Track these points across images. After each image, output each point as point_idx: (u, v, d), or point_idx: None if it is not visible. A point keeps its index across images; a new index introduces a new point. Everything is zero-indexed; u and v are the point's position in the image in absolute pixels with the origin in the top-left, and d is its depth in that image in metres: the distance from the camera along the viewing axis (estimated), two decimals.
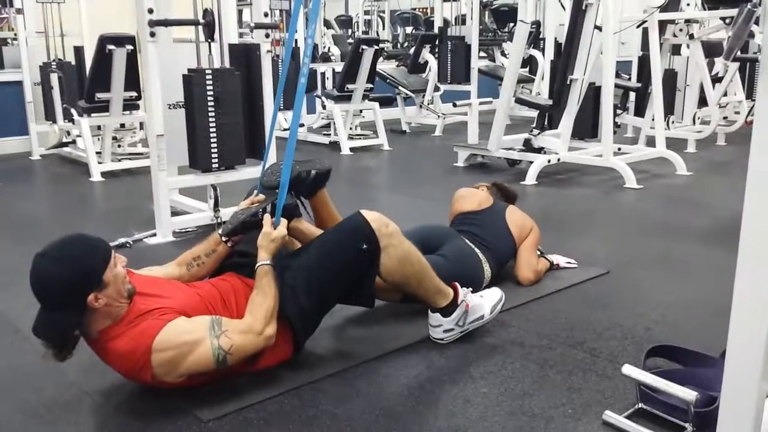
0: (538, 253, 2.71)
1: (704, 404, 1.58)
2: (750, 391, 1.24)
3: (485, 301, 2.16)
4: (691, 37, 5.57)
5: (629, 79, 6.17)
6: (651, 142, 5.37)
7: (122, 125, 5.44)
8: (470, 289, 2.17)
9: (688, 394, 1.58)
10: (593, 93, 4.95)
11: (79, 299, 1.63)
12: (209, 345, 1.68)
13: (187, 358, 1.68)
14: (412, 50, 7.84)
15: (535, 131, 4.93)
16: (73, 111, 5.18)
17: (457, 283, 2.14)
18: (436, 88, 7.36)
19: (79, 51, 5.63)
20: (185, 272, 2.03)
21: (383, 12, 10.64)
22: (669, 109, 5.74)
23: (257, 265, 1.84)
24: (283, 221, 1.93)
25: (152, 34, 3.17)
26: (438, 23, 7.86)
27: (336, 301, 2.02)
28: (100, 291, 1.64)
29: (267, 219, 1.90)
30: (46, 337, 1.68)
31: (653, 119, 5.32)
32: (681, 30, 5.58)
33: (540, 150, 4.89)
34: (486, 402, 1.77)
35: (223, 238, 2.02)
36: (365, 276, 1.97)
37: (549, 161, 4.71)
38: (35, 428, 1.70)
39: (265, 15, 3.64)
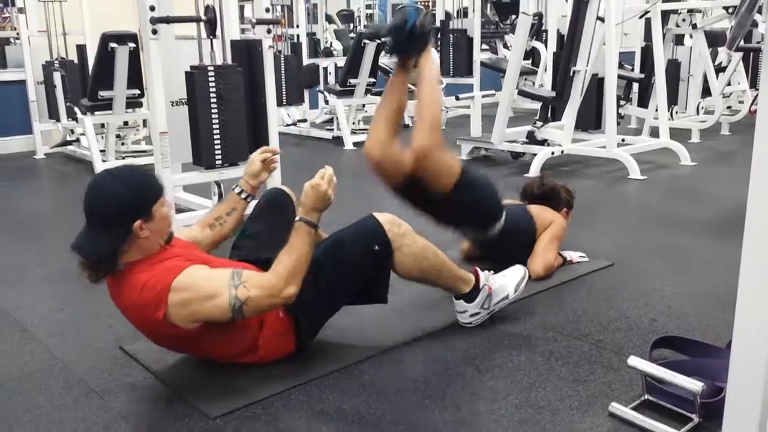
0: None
1: (710, 395, 1.58)
2: (756, 381, 1.24)
3: (508, 281, 2.19)
4: (694, 26, 5.54)
5: (632, 69, 6.15)
6: (655, 132, 5.36)
7: (125, 123, 5.45)
8: (491, 271, 2.20)
9: (695, 384, 1.58)
10: (596, 84, 4.92)
11: (127, 222, 1.69)
12: (227, 294, 1.69)
13: (204, 304, 1.69)
14: None
15: (539, 123, 4.92)
16: (76, 109, 5.18)
17: (477, 268, 2.18)
18: (439, 82, 7.33)
19: (81, 49, 5.63)
20: (208, 232, 2.10)
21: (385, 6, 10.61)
22: (672, 99, 5.72)
23: (296, 218, 1.80)
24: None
25: (154, 32, 3.17)
26: (440, 16, 7.83)
27: (344, 301, 2.02)
28: (146, 221, 1.71)
29: (327, 171, 1.84)
30: (84, 254, 1.72)
31: (657, 110, 5.30)
32: (684, 20, 5.56)
33: (543, 142, 4.88)
34: (492, 395, 1.78)
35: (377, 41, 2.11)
36: (378, 277, 1.99)
37: (553, 153, 4.70)
38: (43, 427, 1.70)
39: (267, 11, 3.64)
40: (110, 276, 1.77)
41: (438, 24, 7.64)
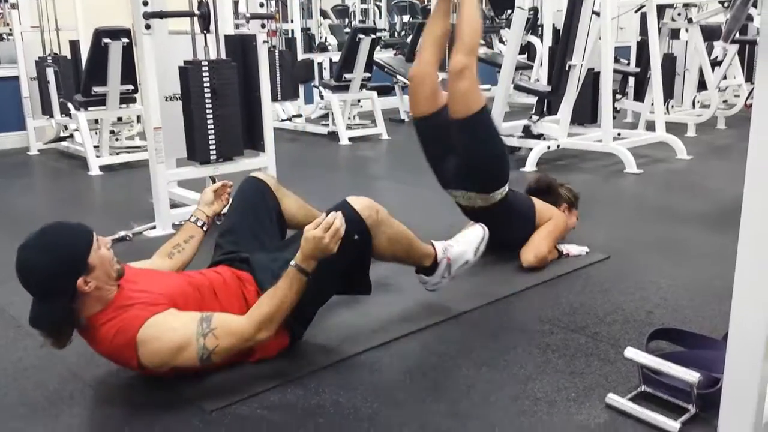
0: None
1: (707, 386, 1.59)
2: (752, 372, 1.25)
3: (467, 247, 2.23)
4: (690, 21, 5.54)
5: (628, 64, 6.14)
6: (651, 126, 5.35)
7: (119, 119, 5.42)
8: (446, 242, 2.22)
9: (691, 375, 1.58)
10: (592, 79, 4.92)
11: (68, 285, 1.64)
12: (194, 345, 1.66)
13: (172, 354, 1.67)
14: (409, 39, 7.80)
15: (535, 118, 4.91)
16: (69, 105, 5.16)
17: (433, 242, 2.20)
18: None
19: (74, 45, 5.59)
20: (168, 261, 2.06)
21: (380, 1, 10.58)
22: (668, 93, 5.72)
23: (291, 263, 1.75)
24: None
25: (147, 27, 3.15)
26: None
27: (331, 293, 2.01)
28: (88, 274, 1.65)
29: (335, 224, 1.73)
30: (42, 327, 1.69)
31: (653, 104, 5.30)
32: (679, 14, 5.55)
33: (539, 136, 4.87)
34: (489, 387, 1.77)
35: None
36: (359, 265, 1.97)
37: (549, 148, 4.70)
38: (39, 421, 1.70)
39: (261, 5, 3.62)
40: (78, 330, 1.74)
41: None
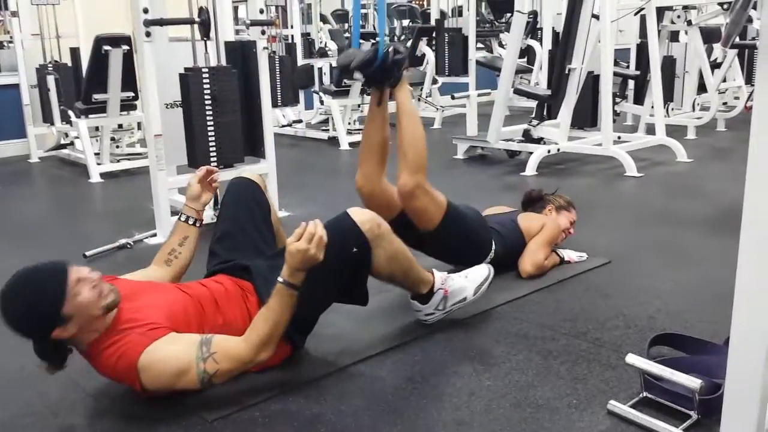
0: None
1: (709, 392, 1.58)
2: (754, 378, 1.24)
3: (468, 283, 2.16)
4: (689, 23, 5.55)
5: (628, 67, 6.15)
6: (651, 129, 5.35)
7: (120, 126, 5.43)
8: (447, 274, 2.17)
9: (693, 381, 1.58)
10: (592, 82, 4.93)
11: (44, 337, 1.63)
12: (194, 370, 1.65)
13: (173, 379, 1.67)
14: (409, 43, 7.81)
15: (535, 122, 4.91)
16: (70, 113, 5.16)
17: (434, 271, 2.15)
18: (434, 81, 7.33)
19: (75, 52, 5.61)
20: (167, 269, 2.03)
21: None
22: (668, 96, 5.72)
23: (279, 278, 1.71)
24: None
25: (148, 34, 3.16)
26: (435, 15, 7.83)
27: (329, 303, 1.98)
28: (65, 325, 1.62)
29: (317, 233, 1.68)
30: (36, 354, 1.70)
31: (653, 107, 5.30)
32: (679, 16, 5.56)
33: (539, 140, 4.87)
34: (490, 394, 1.77)
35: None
36: (357, 277, 1.94)
37: (549, 151, 4.70)
38: (41, 431, 1.70)
39: (261, 12, 3.63)
40: (80, 352, 1.73)
41: (433, 23, 7.64)
